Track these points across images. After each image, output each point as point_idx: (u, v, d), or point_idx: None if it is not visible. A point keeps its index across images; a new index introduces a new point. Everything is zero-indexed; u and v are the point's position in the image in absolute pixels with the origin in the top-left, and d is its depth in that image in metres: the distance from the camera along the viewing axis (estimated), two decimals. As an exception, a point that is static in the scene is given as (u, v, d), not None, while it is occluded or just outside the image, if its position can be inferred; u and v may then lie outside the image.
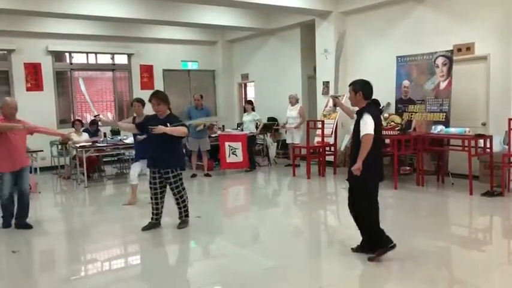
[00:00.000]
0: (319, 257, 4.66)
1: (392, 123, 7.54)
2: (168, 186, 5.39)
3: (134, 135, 6.75)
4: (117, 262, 4.82)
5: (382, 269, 4.09)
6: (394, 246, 4.13)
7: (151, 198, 5.45)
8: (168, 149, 5.22)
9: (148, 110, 5.93)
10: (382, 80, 8.68)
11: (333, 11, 9.59)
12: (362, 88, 4.22)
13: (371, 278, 4.01)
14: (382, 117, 7.60)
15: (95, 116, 6.41)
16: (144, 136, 6.11)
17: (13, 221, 5.75)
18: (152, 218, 5.50)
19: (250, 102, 10.43)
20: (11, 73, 10.62)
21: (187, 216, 5.56)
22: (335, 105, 5.07)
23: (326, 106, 9.52)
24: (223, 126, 11.34)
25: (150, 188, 5.41)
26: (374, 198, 4.27)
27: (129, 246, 5.34)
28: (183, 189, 5.42)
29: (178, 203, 5.47)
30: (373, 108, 4.24)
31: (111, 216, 6.46)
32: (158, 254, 4.86)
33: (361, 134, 4.06)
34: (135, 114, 6.78)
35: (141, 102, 6.73)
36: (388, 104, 8.72)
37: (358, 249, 4.36)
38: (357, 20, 9.64)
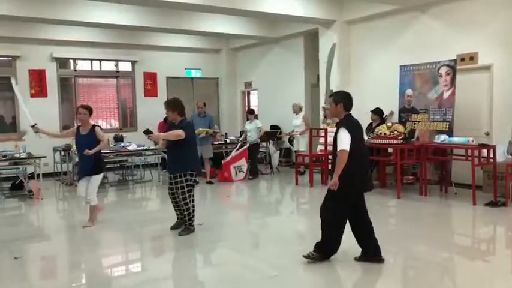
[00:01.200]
0: (321, 266, 4.62)
1: (396, 132, 7.52)
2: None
3: (80, 147, 6.02)
4: (118, 269, 4.80)
5: (385, 277, 4.06)
6: (327, 258, 4.32)
7: (172, 203, 5.69)
8: (176, 154, 5.39)
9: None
10: (386, 89, 8.74)
11: (336, 20, 9.61)
12: (343, 100, 4.29)
13: (373, 286, 3.97)
14: (385, 126, 7.63)
15: (31, 126, 5.95)
16: (92, 151, 5.76)
17: None
18: (178, 217, 5.69)
19: (251, 112, 10.41)
20: (15, 79, 10.65)
21: (191, 224, 5.49)
22: (326, 116, 5.02)
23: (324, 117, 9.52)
24: (226, 133, 11.35)
25: (169, 193, 5.61)
26: (343, 205, 4.24)
27: (131, 254, 5.33)
28: (189, 196, 5.40)
29: (183, 210, 5.46)
30: (351, 120, 4.28)
31: (112, 223, 6.44)
32: (159, 261, 4.84)
33: (338, 149, 4.14)
34: (79, 123, 6.13)
35: (87, 108, 6.04)
36: (392, 113, 8.71)
37: (360, 258, 4.33)
38: (360, 29, 9.67)
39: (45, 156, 8.57)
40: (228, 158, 9.76)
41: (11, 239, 5.59)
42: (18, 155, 8.21)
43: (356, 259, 4.34)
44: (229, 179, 9.50)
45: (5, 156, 8.17)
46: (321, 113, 9.98)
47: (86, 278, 4.51)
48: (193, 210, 5.49)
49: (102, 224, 6.20)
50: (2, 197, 8.40)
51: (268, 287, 3.98)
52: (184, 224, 5.53)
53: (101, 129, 6.34)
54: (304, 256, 4.30)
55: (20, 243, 5.47)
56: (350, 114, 4.32)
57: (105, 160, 8.94)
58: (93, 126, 6.00)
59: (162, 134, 5.42)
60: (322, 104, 9.94)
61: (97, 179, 6.02)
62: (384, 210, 6.98)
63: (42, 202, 7.98)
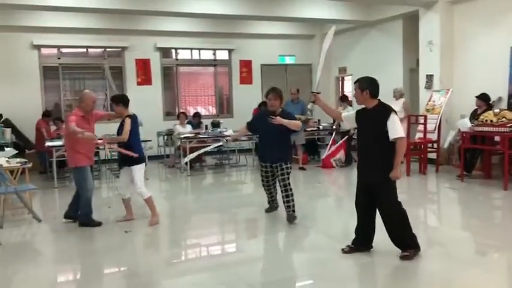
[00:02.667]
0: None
1: (504, 119, 6.97)
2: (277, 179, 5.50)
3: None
4: (215, 248, 5.07)
5: (491, 271, 3.86)
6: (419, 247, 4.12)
7: (265, 191, 5.83)
8: (280, 143, 5.38)
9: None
10: (493, 72, 8.15)
11: (438, 0, 9.08)
12: (369, 86, 4.10)
13: (479, 279, 3.80)
14: (492, 113, 7.13)
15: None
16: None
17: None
18: (269, 202, 5.90)
19: (345, 98, 10.23)
20: (124, 68, 11.55)
21: (294, 211, 5.41)
22: (314, 102, 4.57)
23: (429, 100, 9.07)
24: (318, 120, 11.32)
25: (262, 181, 5.71)
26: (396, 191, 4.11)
27: (227, 235, 5.60)
28: (289, 184, 5.38)
29: (287, 196, 5.37)
30: (391, 106, 4.16)
31: (212, 205, 6.77)
32: (254, 243, 5.05)
33: (393, 136, 3.94)
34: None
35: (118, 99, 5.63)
36: (500, 99, 8.09)
37: (351, 250, 4.28)
38: (464, 8, 9.03)
39: (150, 140, 9.23)
40: (328, 152, 9.67)
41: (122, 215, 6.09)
42: (127, 138, 8.93)
43: (345, 251, 4.29)
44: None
45: (116, 139, 8.93)
46: (420, 97, 9.58)
47: (185, 255, 4.85)
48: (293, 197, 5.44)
49: (202, 204, 6.56)
50: (112, 176, 9.20)
51: (361, 273, 4.01)
52: (288, 211, 5.41)
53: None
54: (401, 258, 4.04)
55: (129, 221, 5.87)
56: (379, 100, 4.18)
57: (203, 145, 9.46)
58: (126, 116, 5.42)
59: (285, 120, 5.26)
60: (422, 88, 9.55)
61: (139, 169, 5.47)
62: (488, 202, 6.58)
63: (147, 183, 8.60)
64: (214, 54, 12.71)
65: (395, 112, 4.06)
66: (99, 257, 4.65)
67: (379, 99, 4.17)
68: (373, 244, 4.27)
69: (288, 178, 5.36)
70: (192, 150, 9.09)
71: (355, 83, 4.20)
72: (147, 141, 8.95)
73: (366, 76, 4.26)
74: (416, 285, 3.75)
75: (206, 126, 10.33)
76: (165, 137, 10.54)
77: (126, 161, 5.43)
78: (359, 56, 12.17)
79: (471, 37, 8.91)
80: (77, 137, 5.17)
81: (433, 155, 8.71)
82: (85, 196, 5.46)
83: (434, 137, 8.62)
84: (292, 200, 5.38)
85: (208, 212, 6.44)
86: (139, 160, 5.44)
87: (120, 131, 5.40)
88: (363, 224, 4.24)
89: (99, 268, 4.41)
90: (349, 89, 12.99)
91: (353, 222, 4.34)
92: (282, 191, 5.39)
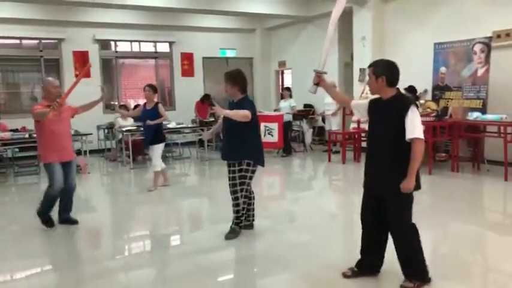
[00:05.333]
0: (351, 234, 4.87)
1: (428, 109, 7.60)
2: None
3: (144, 120, 6.88)
4: (158, 240, 5.21)
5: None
6: (430, 280, 3.37)
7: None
8: (233, 138, 4.50)
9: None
10: (420, 66, 8.76)
11: (371, -1, 9.64)
12: (385, 71, 3.27)
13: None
14: (418, 104, 7.71)
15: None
16: (153, 122, 6.72)
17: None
18: (234, 222, 4.64)
19: (288, 89, 10.68)
20: (61, 61, 11.24)
21: (237, 224, 4.61)
22: (317, 84, 3.67)
23: (362, 93, 9.62)
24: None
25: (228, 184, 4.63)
26: (411, 208, 3.34)
27: (170, 228, 5.73)
28: (241, 190, 4.50)
29: (234, 205, 4.60)
30: (413, 99, 3.64)
31: (154, 197, 6.87)
32: (198, 234, 5.22)
33: (409, 136, 3.16)
34: (145, 101, 7.00)
35: (151, 87, 6.92)
36: (426, 91, 8.75)
37: (355, 274, 3.55)
38: (394, 7, 9.66)
39: (91, 133, 9.12)
40: (262, 113, 9.86)
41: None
42: (66, 132, 8.78)
43: (346, 276, 3.57)
44: None
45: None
46: (354, 90, 10.13)
47: (128, 249, 4.95)
48: (244, 208, 4.58)
49: (144, 197, 6.65)
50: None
51: (304, 249, 4.26)
52: (233, 222, 4.64)
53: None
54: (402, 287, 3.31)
55: (76, 211, 5.86)
56: (398, 89, 3.41)
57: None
58: (157, 103, 6.88)
59: (227, 111, 4.41)
60: (356, 81, 10.09)
61: (158, 148, 6.88)
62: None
63: (89, 176, 8.53)
64: (154, 46, 12.66)
65: (417, 106, 3.29)
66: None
67: (397, 89, 3.39)
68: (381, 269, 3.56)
69: (240, 184, 4.49)
70: (135, 143, 9.13)
71: (369, 67, 3.38)
72: (87, 134, 8.84)
73: (382, 59, 3.44)
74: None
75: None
76: (106, 131, 10.42)
77: (151, 140, 6.86)
78: (297, 50, 12.60)
79: (400, 34, 9.55)
80: (43, 131, 4.93)
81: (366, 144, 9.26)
82: (49, 193, 5.07)
83: (367, 127, 9.16)
84: (237, 211, 4.57)
85: (152, 203, 6.51)
86: (161, 141, 6.96)
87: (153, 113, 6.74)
88: (369, 242, 3.50)
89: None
90: (289, 82, 13.41)
91: (296, 207, 4.51)
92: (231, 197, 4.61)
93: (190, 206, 6.47)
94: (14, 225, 5.53)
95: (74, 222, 5.26)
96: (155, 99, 6.94)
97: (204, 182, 8.55)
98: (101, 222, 5.70)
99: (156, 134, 6.87)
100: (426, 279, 3.35)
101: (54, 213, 5.22)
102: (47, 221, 5.14)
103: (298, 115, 10.79)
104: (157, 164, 6.96)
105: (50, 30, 10.92)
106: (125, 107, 10.42)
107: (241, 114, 4.34)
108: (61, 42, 11.17)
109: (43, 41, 11.13)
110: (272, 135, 9.78)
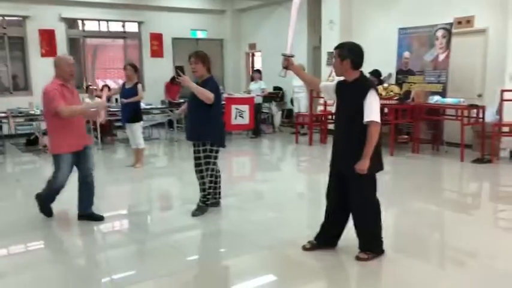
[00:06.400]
0: (315, 212, 5.09)
1: (391, 93, 7.86)
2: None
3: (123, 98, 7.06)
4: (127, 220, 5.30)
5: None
6: (383, 252, 3.62)
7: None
8: (196, 118, 4.59)
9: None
10: (384, 51, 9.00)
11: (339, -18, 9.78)
12: (351, 54, 3.38)
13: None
14: (381, 87, 7.98)
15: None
16: (128, 100, 6.87)
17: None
18: (200, 200, 4.78)
19: (258, 71, 10.79)
20: (26, 39, 10.97)
21: (204, 202, 4.76)
22: (286, 67, 3.68)
23: (329, 76, 9.82)
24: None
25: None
26: (375, 187, 3.55)
27: (141, 207, 5.81)
28: (207, 169, 4.65)
29: (200, 183, 4.75)
30: (371, 81, 3.69)
31: (121, 177, 6.91)
32: (171, 212, 5.34)
33: (366, 119, 3.29)
34: (125, 80, 7.18)
35: (133, 66, 7.09)
36: (390, 75, 9.01)
37: (314, 246, 3.74)
38: (362, -9, 9.85)
39: (57, 114, 9.01)
40: (233, 95, 10.03)
41: (33, 189, 6.06)
42: (32, 112, 8.67)
43: (305, 248, 3.76)
44: (228, 122, 9.31)
45: (21, 113, 8.63)
46: (322, 73, 10.32)
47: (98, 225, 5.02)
48: (210, 187, 4.73)
49: (112, 177, 6.68)
50: (18, 151, 8.90)
51: (272, 224, 4.45)
52: (200, 201, 4.78)
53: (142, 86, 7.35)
54: (356, 258, 3.54)
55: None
56: (362, 72, 3.49)
57: (114, 118, 9.39)
58: (137, 82, 7.00)
59: (194, 84, 4.48)
60: (324, 65, 10.28)
61: (137, 127, 7.05)
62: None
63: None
64: (123, 26, 12.48)
65: (377, 90, 3.44)
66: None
67: (361, 72, 3.48)
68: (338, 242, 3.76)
69: (205, 163, 4.63)
70: (103, 124, 9.08)
71: (335, 49, 3.45)
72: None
73: (348, 42, 3.54)
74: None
75: (116, 99, 10.23)
76: (74, 111, 10.29)
77: (128, 119, 7.00)
78: (267, 33, 12.66)
79: (367, 18, 9.75)
80: (60, 119, 4.27)
81: (332, 126, 9.51)
82: (51, 185, 4.59)
83: (333, 109, 9.39)
84: (203, 190, 4.71)
85: (122, 184, 6.57)
86: (138, 119, 7.13)
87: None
88: (331, 217, 3.67)
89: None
90: (258, 64, 13.49)
91: (265, 186, 4.69)
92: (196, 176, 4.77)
93: (160, 186, 6.57)
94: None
95: (98, 218, 4.67)
96: (135, 79, 7.06)
97: (173, 163, 8.63)
98: (72, 203, 5.69)
99: (134, 113, 6.99)
100: (380, 251, 3.60)
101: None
102: (45, 210, 4.73)
103: (267, 97, 10.94)
104: (141, 142, 7.15)
105: (14, 7, 10.62)
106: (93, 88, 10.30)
107: (206, 96, 4.44)
108: (25, 19, 10.88)
109: (7, 18, 10.82)
110: (243, 118, 9.88)
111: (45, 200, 4.70)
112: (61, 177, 4.47)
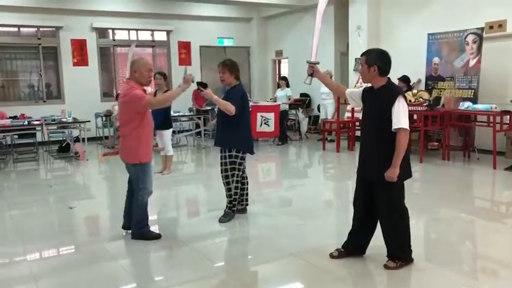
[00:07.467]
0: (342, 219, 5.03)
1: (421, 99, 7.74)
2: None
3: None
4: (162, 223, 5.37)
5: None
6: (412, 260, 3.56)
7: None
8: (224, 124, 4.70)
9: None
10: (413, 56, 8.90)
11: (367, -12, 9.73)
12: (377, 61, 3.36)
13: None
14: (411, 93, 7.87)
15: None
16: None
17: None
18: (227, 206, 4.83)
19: (284, 78, 10.81)
20: (59, 49, 11.30)
21: (231, 208, 4.81)
22: (311, 74, 3.72)
23: (357, 82, 9.75)
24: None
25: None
26: (403, 195, 3.50)
27: (169, 213, 5.88)
28: (232, 175, 4.69)
29: (226, 189, 4.79)
30: (402, 89, 3.63)
31: (155, 182, 6.97)
32: (199, 218, 5.39)
33: (395, 126, 3.26)
34: (156, 88, 7.11)
35: (162, 75, 7.13)
36: (419, 81, 8.89)
37: (342, 254, 3.71)
38: (390, -4, 9.76)
39: (89, 121, 9.25)
40: (259, 103, 10.07)
41: (66, 195, 6.25)
42: (65, 120, 8.91)
43: (333, 256, 3.72)
44: (253, 129, 8.86)
45: (54, 120, 8.88)
46: (350, 80, 10.25)
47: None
48: (237, 193, 4.77)
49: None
50: (51, 158, 9.15)
51: (298, 231, 4.45)
52: (226, 207, 4.85)
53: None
54: (384, 266, 3.50)
55: (75, 197, 6.05)
56: (389, 79, 3.46)
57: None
58: (167, 90, 6.78)
59: (216, 97, 4.60)
60: (351, 71, 10.22)
61: (167, 133, 7.18)
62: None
63: (88, 163, 8.67)
64: (152, 35, 12.71)
65: (405, 96, 3.38)
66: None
67: (388, 78, 3.44)
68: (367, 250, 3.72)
69: (231, 169, 4.68)
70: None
71: (362, 55, 3.45)
72: (85, 122, 8.97)
73: (375, 49, 3.56)
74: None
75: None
76: (104, 118, 10.54)
77: (158, 126, 6.48)
78: (294, 40, 12.68)
79: (395, 24, 9.66)
80: (145, 124, 4.19)
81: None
82: (142, 200, 4.36)
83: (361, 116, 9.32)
84: (229, 196, 4.76)
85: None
86: (169, 126, 7.27)
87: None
88: (359, 225, 3.65)
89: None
90: (285, 71, 13.51)
91: (291, 193, 4.68)
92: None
93: (187, 193, 6.63)
94: (13, 210, 5.68)
95: (155, 237, 4.38)
96: (165, 87, 7.08)
97: (201, 169, 8.70)
98: (99, 207, 5.84)
99: (165, 120, 7.05)
100: (409, 260, 3.54)
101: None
102: (151, 234, 4.41)
103: (294, 104, 10.93)
104: (170, 148, 7.29)
105: (48, 18, 10.97)
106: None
107: (226, 108, 4.52)
108: (59, 30, 11.21)
109: (41, 29, 11.18)
110: (268, 125, 9.91)
111: (144, 225, 4.39)
112: (150, 185, 4.39)
